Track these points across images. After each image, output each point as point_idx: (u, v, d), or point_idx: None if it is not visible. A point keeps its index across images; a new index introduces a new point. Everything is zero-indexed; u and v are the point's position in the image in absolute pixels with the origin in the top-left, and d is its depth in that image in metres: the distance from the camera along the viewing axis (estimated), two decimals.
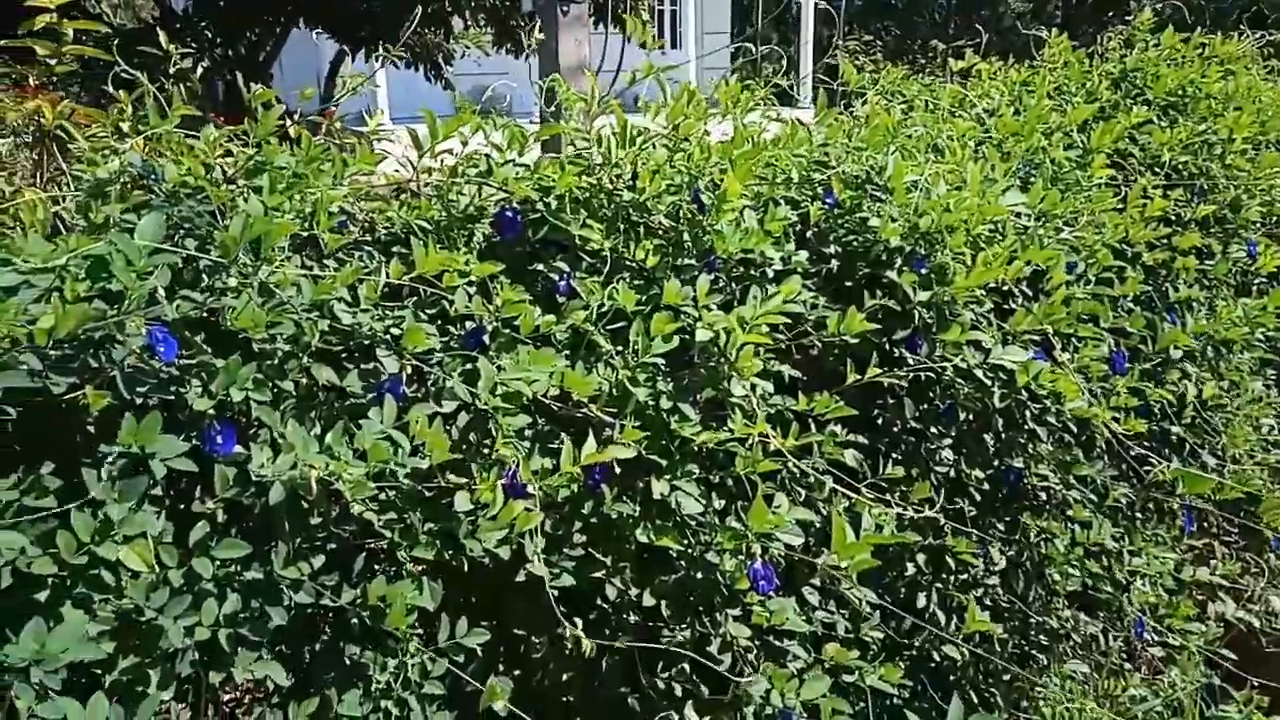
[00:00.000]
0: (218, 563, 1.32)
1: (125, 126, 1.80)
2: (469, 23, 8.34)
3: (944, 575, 2.00)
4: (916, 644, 2.02)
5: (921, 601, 1.97)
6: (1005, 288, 2.11)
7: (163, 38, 2.08)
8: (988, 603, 2.13)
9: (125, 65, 1.78)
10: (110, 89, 1.82)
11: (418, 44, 8.22)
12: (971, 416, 2.02)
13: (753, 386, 1.71)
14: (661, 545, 1.53)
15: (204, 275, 1.52)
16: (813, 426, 1.77)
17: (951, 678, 2.14)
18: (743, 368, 1.63)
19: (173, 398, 1.37)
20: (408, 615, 1.35)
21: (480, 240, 1.86)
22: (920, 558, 1.96)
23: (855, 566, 1.38)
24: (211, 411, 1.41)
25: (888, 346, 1.88)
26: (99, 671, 1.31)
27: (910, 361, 1.92)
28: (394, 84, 11.69)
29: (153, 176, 1.58)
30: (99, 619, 1.28)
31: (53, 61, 2.37)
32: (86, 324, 1.26)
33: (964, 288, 1.86)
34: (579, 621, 1.39)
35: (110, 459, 1.30)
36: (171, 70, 2.04)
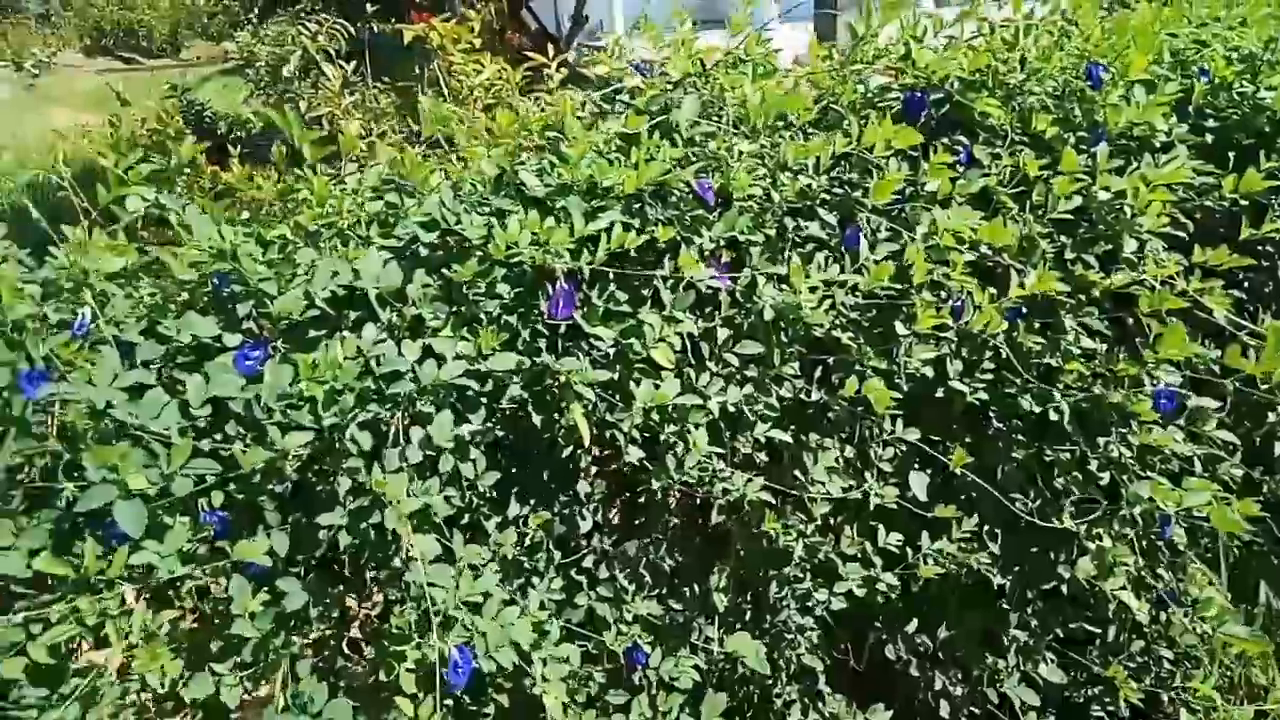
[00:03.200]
0: (735, 359, 1.76)
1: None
2: None
3: None
4: (1266, 490, 2.22)
5: (1278, 450, 2.15)
6: None
7: None
8: None
9: None
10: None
11: None
12: None
13: (1142, 244, 1.95)
14: (1070, 369, 1.84)
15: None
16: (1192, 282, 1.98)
17: None
18: (1143, 223, 1.87)
19: (692, 239, 1.81)
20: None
21: (877, 119, 2.17)
22: None
23: None
24: (711, 249, 1.84)
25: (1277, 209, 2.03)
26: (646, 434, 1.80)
27: None
28: None
29: (649, 69, 2.01)
30: None
31: None
32: (655, 179, 1.70)
33: None
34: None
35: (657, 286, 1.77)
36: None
